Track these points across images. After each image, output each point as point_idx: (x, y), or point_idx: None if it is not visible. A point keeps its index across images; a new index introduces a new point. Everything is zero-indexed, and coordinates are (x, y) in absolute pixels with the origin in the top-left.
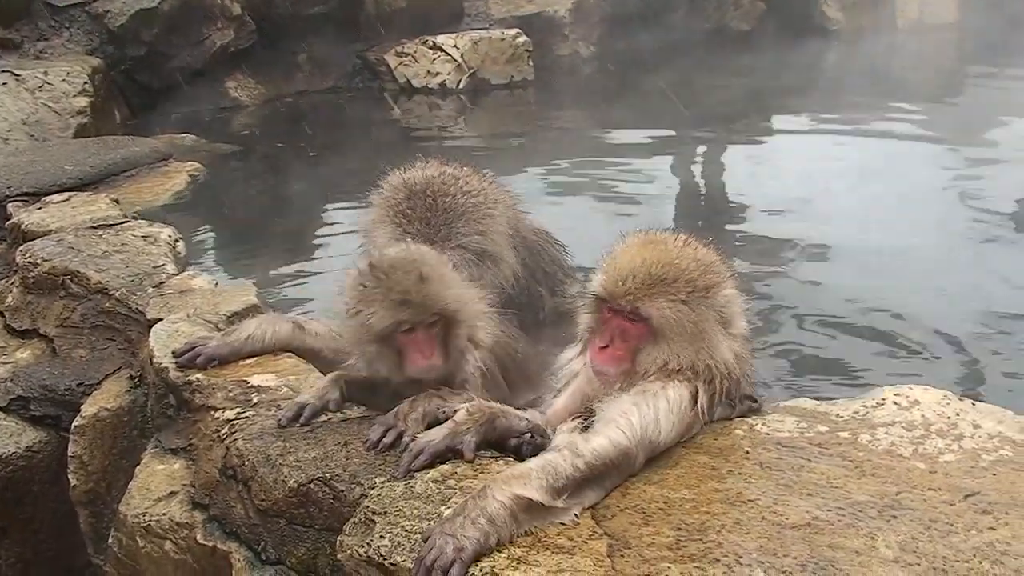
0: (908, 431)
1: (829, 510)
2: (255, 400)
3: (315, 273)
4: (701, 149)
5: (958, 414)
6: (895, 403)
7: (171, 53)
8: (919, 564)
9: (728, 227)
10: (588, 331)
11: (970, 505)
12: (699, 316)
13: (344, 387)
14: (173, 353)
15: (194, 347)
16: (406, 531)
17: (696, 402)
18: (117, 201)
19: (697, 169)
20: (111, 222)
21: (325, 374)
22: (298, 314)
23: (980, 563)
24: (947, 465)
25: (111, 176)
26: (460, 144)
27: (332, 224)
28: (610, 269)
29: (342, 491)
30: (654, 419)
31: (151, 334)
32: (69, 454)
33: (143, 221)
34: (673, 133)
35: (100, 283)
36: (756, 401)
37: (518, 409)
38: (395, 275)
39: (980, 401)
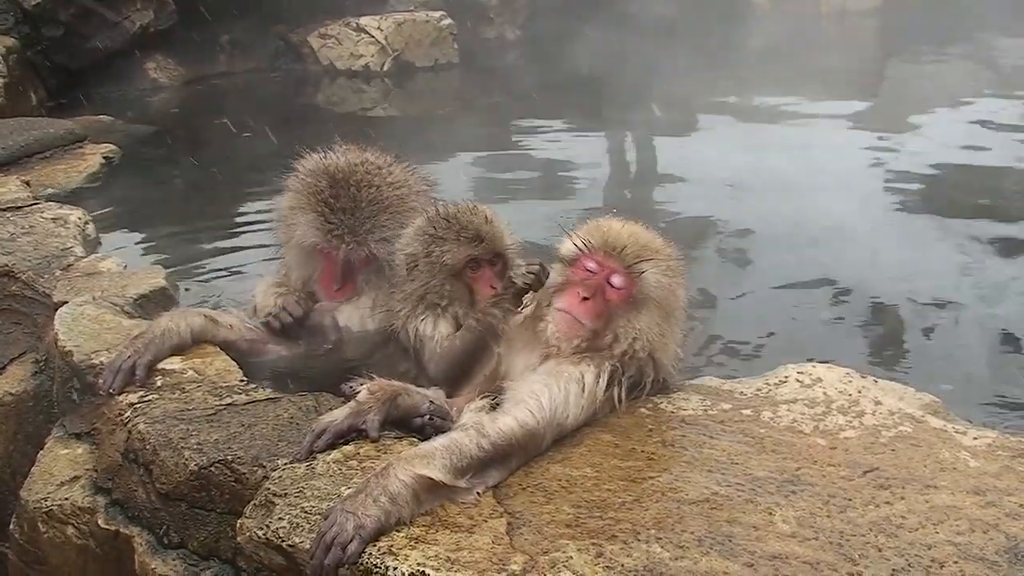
0: (810, 408)
1: (729, 486)
2: (159, 383)
3: (227, 253)
4: (628, 132)
5: (860, 391)
6: (798, 380)
7: (89, 34)
8: (816, 539)
9: (656, 208)
10: (558, 284)
11: (868, 480)
12: (676, 296)
13: None
14: (108, 392)
15: (119, 368)
16: (306, 512)
17: (610, 386)
18: (28, 183)
19: (624, 152)
20: (20, 204)
21: (236, 362)
22: (209, 302)
23: (876, 537)
24: (847, 441)
25: (23, 158)
26: (384, 127)
27: (246, 207)
28: (597, 230)
29: (244, 474)
30: (564, 401)
31: (56, 317)
32: None
33: (53, 203)
34: (599, 116)
35: (6, 266)
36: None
37: (421, 387)
38: (465, 217)
39: (883, 379)
